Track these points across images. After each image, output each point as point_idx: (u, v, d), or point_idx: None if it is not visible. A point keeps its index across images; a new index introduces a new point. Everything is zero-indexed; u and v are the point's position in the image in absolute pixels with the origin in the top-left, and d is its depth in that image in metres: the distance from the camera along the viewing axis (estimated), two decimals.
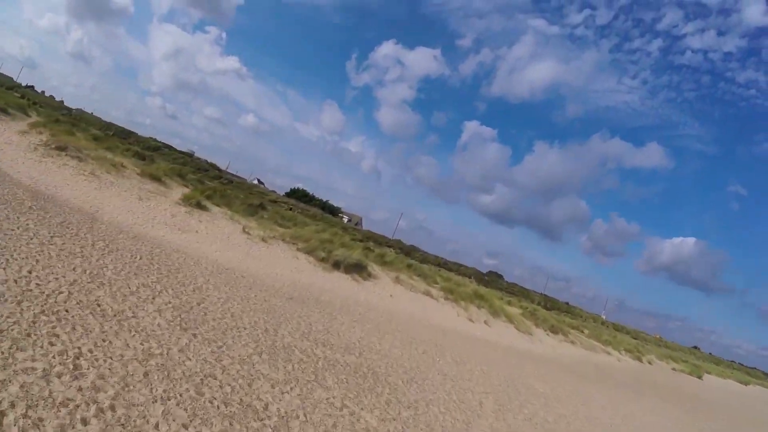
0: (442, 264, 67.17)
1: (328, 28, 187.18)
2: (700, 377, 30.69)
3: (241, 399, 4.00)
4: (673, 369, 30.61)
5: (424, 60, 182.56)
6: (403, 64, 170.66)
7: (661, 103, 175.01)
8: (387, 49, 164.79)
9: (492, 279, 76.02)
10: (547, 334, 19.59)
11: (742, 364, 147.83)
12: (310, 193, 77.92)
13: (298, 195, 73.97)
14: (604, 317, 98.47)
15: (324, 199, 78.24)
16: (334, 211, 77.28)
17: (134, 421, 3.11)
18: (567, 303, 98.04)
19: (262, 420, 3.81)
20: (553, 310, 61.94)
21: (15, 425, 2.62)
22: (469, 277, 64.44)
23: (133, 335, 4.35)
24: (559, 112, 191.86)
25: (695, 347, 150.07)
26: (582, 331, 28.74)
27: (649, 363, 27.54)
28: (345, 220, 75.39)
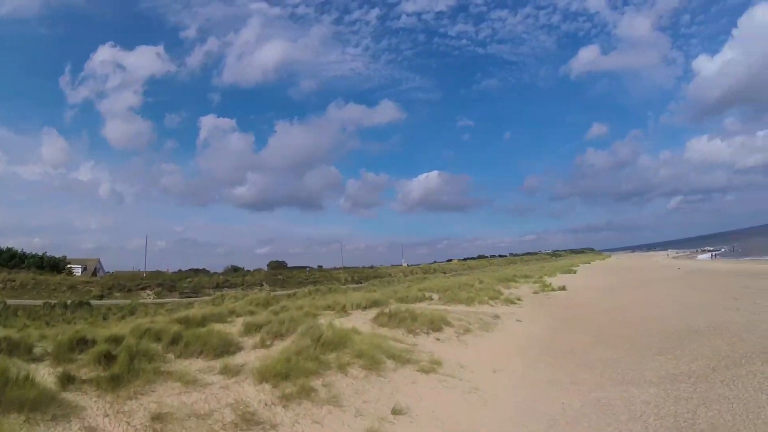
0: (221, 284, 56.71)
1: (34, 43, 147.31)
2: (563, 289, 29.95)
3: None
4: (535, 293, 28.91)
5: (146, 59, 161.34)
6: (125, 68, 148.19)
7: (384, 65, 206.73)
8: (104, 54, 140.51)
9: (282, 273, 69.16)
10: (438, 340, 13.11)
11: (518, 254, 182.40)
12: (21, 251, 62.01)
13: (2, 259, 58.25)
14: (405, 265, 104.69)
15: (41, 253, 62.98)
16: (57, 266, 62.19)
17: None
18: (371, 267, 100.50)
19: None
20: (365, 282, 58.83)
21: None
22: (261, 285, 55.86)
23: None
24: (294, 89, 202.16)
25: (481, 256, 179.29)
26: (430, 299, 23.86)
27: (519, 300, 24.43)
28: (78, 271, 65.77)
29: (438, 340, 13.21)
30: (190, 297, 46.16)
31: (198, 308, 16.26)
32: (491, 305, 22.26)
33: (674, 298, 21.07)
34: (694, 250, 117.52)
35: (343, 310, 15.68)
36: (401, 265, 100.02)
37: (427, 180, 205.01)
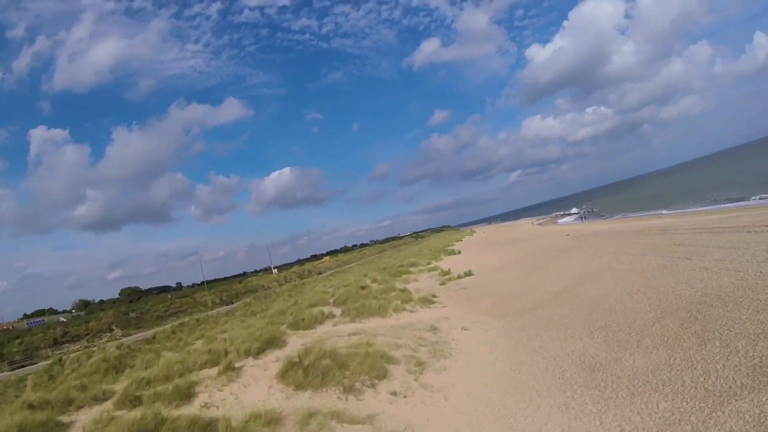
0: (60, 338, 45.34)
1: None
2: (470, 274, 27.30)
3: None
4: (443, 284, 25.87)
5: None
6: None
7: (226, 61, 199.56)
8: None
9: (136, 306, 58.26)
10: (395, 396, 8.84)
11: (379, 240, 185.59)
12: None
13: None
14: (275, 271, 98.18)
15: None
16: None
17: None
18: (239, 277, 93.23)
19: None
20: (236, 301, 51.69)
21: None
22: (110, 330, 46.04)
23: None
24: (132, 91, 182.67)
25: (345, 247, 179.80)
26: (331, 317, 19.41)
27: (435, 297, 21.05)
28: None
29: (395, 395, 8.86)
30: (24, 365, 38.41)
31: (20, 406, 9.96)
32: (410, 311, 18.48)
33: (616, 266, 19.14)
34: (554, 215, 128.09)
35: (230, 368, 10.49)
36: (272, 272, 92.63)
37: (280, 177, 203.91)
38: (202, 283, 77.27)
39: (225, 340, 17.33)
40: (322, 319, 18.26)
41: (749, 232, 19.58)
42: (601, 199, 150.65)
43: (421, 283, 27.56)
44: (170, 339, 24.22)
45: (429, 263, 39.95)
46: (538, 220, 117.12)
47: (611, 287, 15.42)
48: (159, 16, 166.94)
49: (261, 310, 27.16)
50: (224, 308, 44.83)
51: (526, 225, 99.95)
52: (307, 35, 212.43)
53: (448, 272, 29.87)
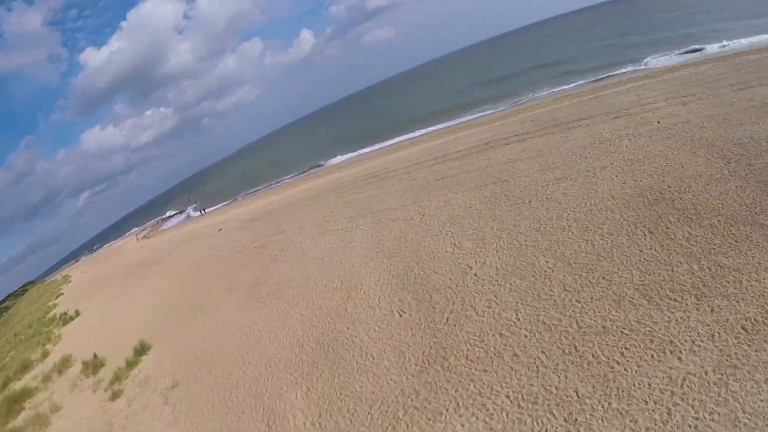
0: None
1: None
2: (146, 349, 16.56)
3: None
4: (114, 398, 14.53)
5: None
6: None
7: None
8: None
9: None
10: None
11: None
12: None
13: None
14: None
15: None
16: None
17: None
18: None
19: None
20: None
21: None
22: None
23: None
24: None
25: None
26: None
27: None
28: None
29: None
30: None
31: None
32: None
33: (419, 220, 12.56)
34: (152, 223, 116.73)
35: None
36: None
37: None
38: None
39: None
40: None
41: (523, 140, 16.57)
42: (196, 193, 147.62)
43: (68, 412, 14.89)
44: None
45: (46, 354, 24.83)
46: (138, 234, 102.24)
47: (489, 238, 8.93)
48: None
49: None
50: None
51: (129, 244, 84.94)
52: None
53: (101, 361, 17.66)
